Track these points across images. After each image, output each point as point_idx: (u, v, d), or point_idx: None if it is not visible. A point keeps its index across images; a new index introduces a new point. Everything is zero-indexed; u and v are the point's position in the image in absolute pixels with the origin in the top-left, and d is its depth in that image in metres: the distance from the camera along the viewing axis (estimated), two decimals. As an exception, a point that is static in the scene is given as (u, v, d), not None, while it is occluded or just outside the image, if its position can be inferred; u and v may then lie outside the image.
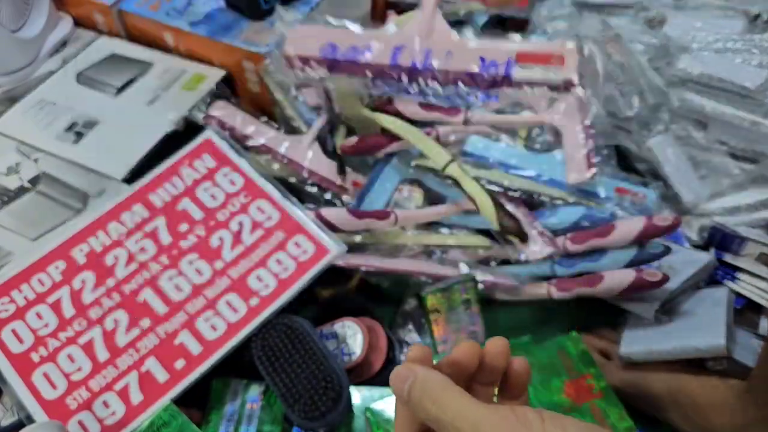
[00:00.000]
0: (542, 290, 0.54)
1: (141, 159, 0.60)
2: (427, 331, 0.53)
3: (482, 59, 0.36)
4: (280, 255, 0.53)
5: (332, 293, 0.55)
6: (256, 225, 0.54)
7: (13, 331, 0.49)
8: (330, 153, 0.63)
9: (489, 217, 0.52)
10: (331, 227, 0.55)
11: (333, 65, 0.34)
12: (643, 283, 0.49)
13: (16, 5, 0.70)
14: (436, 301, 0.51)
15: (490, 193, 0.54)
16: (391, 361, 0.50)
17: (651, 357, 0.49)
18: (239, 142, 0.61)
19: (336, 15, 0.73)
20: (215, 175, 0.57)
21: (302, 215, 0.55)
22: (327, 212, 0.56)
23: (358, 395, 0.46)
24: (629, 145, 0.64)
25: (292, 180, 0.63)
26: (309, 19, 0.33)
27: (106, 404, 0.46)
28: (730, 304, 0.50)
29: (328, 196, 0.62)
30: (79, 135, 0.64)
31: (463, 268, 0.55)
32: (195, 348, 0.48)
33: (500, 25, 0.79)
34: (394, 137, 0.61)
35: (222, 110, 0.64)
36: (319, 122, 0.64)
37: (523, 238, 0.55)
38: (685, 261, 0.53)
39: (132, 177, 0.59)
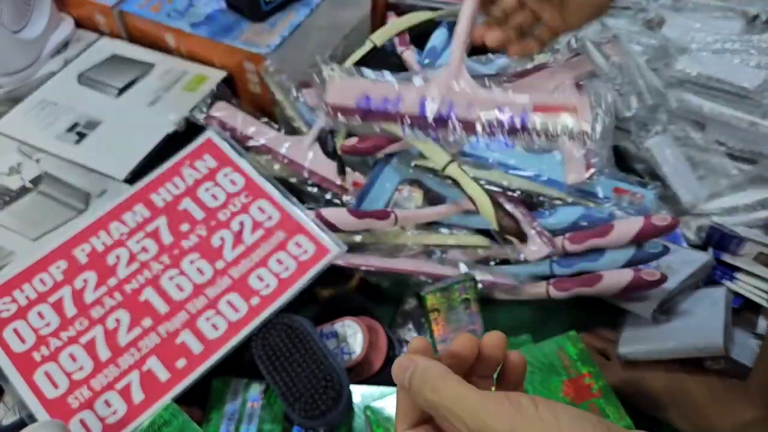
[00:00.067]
0: (541, 290, 0.54)
1: (142, 159, 0.60)
2: (426, 330, 0.53)
3: (500, 110, 0.40)
4: (280, 255, 0.53)
5: (332, 293, 0.56)
6: (256, 225, 0.55)
7: (15, 331, 0.49)
8: (330, 153, 0.63)
9: (488, 217, 0.53)
10: (332, 227, 0.55)
11: (366, 115, 0.41)
12: (642, 283, 0.50)
13: (18, 6, 0.70)
14: (435, 301, 0.52)
15: (490, 193, 0.54)
16: (390, 360, 0.50)
17: (649, 356, 0.49)
18: (240, 142, 0.62)
19: (336, 16, 0.73)
20: (216, 175, 0.58)
21: (303, 215, 0.55)
22: (327, 212, 0.56)
23: (358, 394, 0.46)
24: (628, 146, 0.64)
25: (293, 180, 0.63)
26: (349, 72, 0.38)
27: (107, 403, 0.46)
28: (728, 304, 0.50)
29: (328, 196, 0.62)
30: (81, 135, 0.64)
31: (463, 268, 0.55)
32: (196, 347, 0.48)
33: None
34: (395, 137, 0.62)
35: (223, 111, 0.64)
36: (320, 123, 0.64)
37: (522, 238, 0.55)
38: (683, 261, 0.53)
39: (133, 177, 0.59)
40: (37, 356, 0.48)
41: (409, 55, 0.72)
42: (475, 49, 0.76)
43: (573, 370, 0.45)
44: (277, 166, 0.63)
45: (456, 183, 0.57)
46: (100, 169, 0.61)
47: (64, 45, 0.75)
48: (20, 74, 0.71)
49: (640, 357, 0.49)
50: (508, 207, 0.55)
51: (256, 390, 0.48)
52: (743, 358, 0.47)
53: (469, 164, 0.60)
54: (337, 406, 0.43)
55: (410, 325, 0.55)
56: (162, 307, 0.50)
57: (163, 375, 0.47)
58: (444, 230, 0.58)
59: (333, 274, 0.54)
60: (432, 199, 0.60)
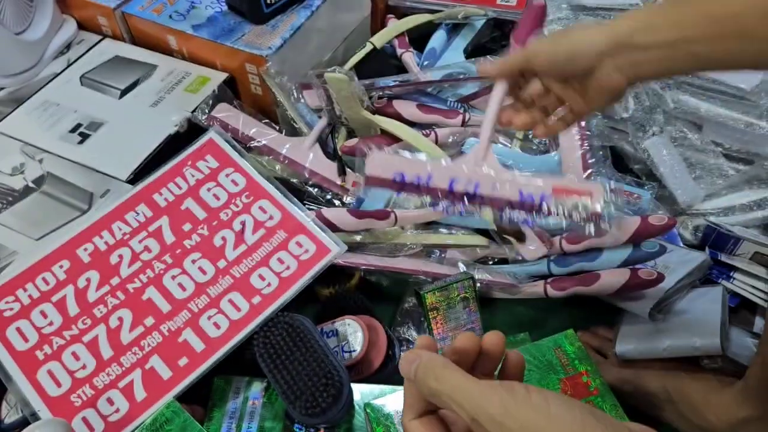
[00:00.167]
0: (539, 289, 0.55)
1: (145, 160, 0.61)
2: (426, 328, 0.54)
3: (521, 192, 0.44)
4: (281, 254, 0.53)
5: (333, 292, 0.56)
6: (258, 225, 0.55)
7: (18, 330, 0.50)
8: (331, 154, 0.64)
9: (487, 217, 0.53)
10: (332, 227, 0.56)
11: (400, 188, 0.46)
12: (639, 282, 0.50)
13: (20, 7, 0.71)
14: (435, 300, 0.52)
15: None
16: (390, 359, 0.50)
17: (646, 355, 0.49)
18: (241, 143, 0.62)
19: (337, 18, 0.74)
20: (218, 175, 0.58)
21: (303, 215, 0.56)
22: (328, 212, 0.57)
23: (358, 392, 0.47)
24: (625, 146, 0.65)
25: (294, 180, 0.64)
26: (386, 152, 0.47)
27: (110, 401, 0.47)
28: (724, 303, 0.51)
29: (328, 196, 0.63)
30: (84, 136, 0.65)
31: (462, 267, 0.55)
32: (198, 346, 0.49)
33: (498, 28, 0.80)
34: (394, 139, 0.62)
35: (225, 112, 0.65)
36: (320, 124, 0.65)
37: (521, 237, 0.55)
38: (680, 260, 0.54)
39: (136, 177, 0.59)
40: (40, 355, 0.49)
41: (409, 56, 0.73)
42: (475, 51, 0.77)
43: (570, 368, 0.45)
44: (278, 167, 0.64)
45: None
46: (103, 169, 0.61)
47: (67, 46, 0.75)
48: (23, 75, 0.72)
49: (637, 355, 0.50)
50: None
51: (257, 388, 0.49)
52: (740, 356, 0.48)
53: (468, 165, 0.61)
54: (338, 404, 0.44)
55: (410, 324, 0.56)
56: (164, 306, 0.51)
57: (165, 373, 0.48)
58: (443, 230, 0.59)
59: (333, 273, 0.55)
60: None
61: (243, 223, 0.55)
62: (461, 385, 0.25)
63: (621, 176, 0.61)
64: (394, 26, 0.74)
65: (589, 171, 0.58)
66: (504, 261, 0.59)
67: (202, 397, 0.49)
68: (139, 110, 0.66)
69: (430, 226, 0.59)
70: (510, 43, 0.62)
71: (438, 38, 0.75)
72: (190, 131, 0.64)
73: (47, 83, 0.71)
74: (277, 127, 0.66)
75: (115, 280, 0.52)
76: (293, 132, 0.66)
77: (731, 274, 0.54)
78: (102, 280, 0.52)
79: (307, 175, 0.62)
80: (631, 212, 0.57)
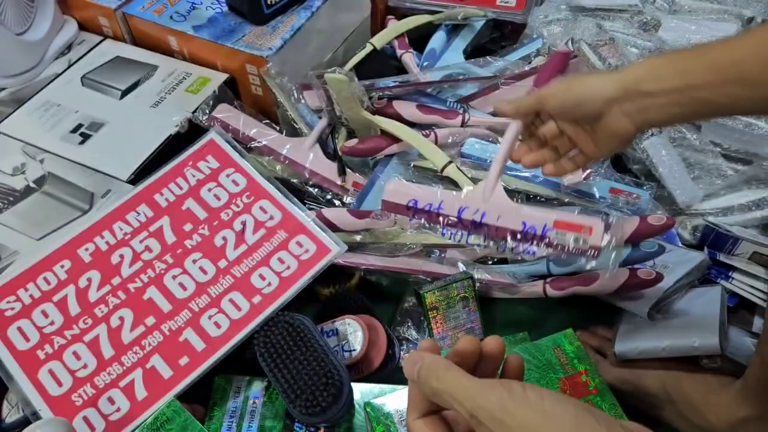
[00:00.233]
0: (538, 288, 0.55)
1: (146, 160, 0.61)
2: (426, 328, 0.54)
3: (524, 223, 0.47)
4: (282, 254, 0.54)
5: (333, 291, 0.56)
6: (258, 225, 0.55)
7: (19, 329, 0.50)
8: (331, 154, 0.64)
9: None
10: (332, 227, 0.56)
11: (414, 213, 0.50)
12: (638, 282, 0.50)
13: (21, 8, 0.71)
14: (434, 299, 0.52)
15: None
16: (390, 358, 0.50)
17: (645, 355, 0.49)
18: (242, 143, 0.62)
19: (337, 19, 0.74)
20: (218, 175, 0.58)
21: (304, 215, 0.56)
22: (328, 212, 0.57)
23: (358, 391, 0.47)
24: (624, 147, 0.65)
25: (294, 181, 0.64)
26: (403, 181, 0.52)
27: (111, 401, 0.47)
28: (723, 303, 0.51)
29: (329, 196, 0.63)
30: (85, 136, 0.65)
31: (461, 267, 0.56)
32: (199, 345, 0.49)
33: (497, 29, 0.80)
34: (394, 139, 0.63)
35: (225, 112, 0.65)
36: (321, 124, 0.65)
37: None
38: (679, 260, 0.54)
39: (137, 178, 0.60)
40: (41, 354, 0.49)
41: (409, 57, 0.73)
42: (475, 51, 0.77)
43: (570, 367, 0.45)
44: (278, 167, 0.64)
45: (455, 184, 0.58)
46: (104, 169, 0.61)
47: (68, 47, 0.76)
48: (24, 76, 0.72)
49: (636, 355, 0.50)
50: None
51: (257, 387, 0.49)
52: (739, 356, 0.48)
53: (467, 165, 0.61)
54: (338, 403, 0.44)
55: (410, 323, 0.56)
56: (165, 306, 0.51)
57: (166, 372, 0.48)
58: (443, 230, 0.59)
59: (333, 272, 0.55)
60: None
61: (243, 223, 0.55)
62: (461, 383, 0.26)
63: (620, 176, 0.61)
64: (394, 27, 0.74)
65: (588, 171, 0.58)
66: (503, 261, 0.59)
67: (202, 396, 0.49)
68: (139, 111, 0.67)
69: (429, 226, 0.59)
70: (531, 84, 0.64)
71: (438, 39, 0.75)
72: (191, 132, 0.64)
73: (48, 84, 0.71)
74: (278, 128, 0.66)
75: (116, 280, 0.52)
76: (293, 132, 0.67)
77: (730, 273, 0.55)
78: (103, 280, 0.52)
79: (307, 176, 0.63)
80: (630, 212, 0.58)
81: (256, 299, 0.51)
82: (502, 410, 0.24)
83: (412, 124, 0.64)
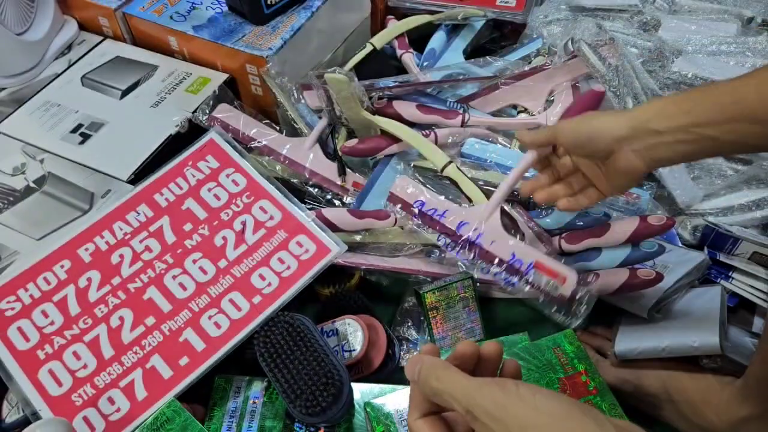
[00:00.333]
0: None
1: (146, 160, 0.61)
2: (426, 328, 0.54)
3: (513, 254, 0.50)
4: (282, 254, 0.54)
5: (333, 291, 0.56)
6: (258, 224, 0.55)
7: (19, 329, 0.50)
8: (331, 154, 0.64)
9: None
10: (332, 227, 0.56)
11: (418, 215, 0.53)
12: (638, 282, 0.50)
13: (21, 8, 0.71)
14: (434, 299, 0.52)
15: (488, 193, 0.55)
16: (390, 358, 0.50)
17: (645, 355, 0.49)
18: (242, 143, 0.62)
19: (337, 19, 0.74)
20: (218, 175, 0.58)
21: (304, 215, 0.56)
22: (328, 212, 0.57)
23: (358, 391, 0.47)
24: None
25: (294, 181, 0.64)
26: (415, 181, 0.54)
27: (111, 401, 0.47)
28: (723, 303, 0.51)
29: (328, 196, 0.63)
30: (85, 136, 0.65)
31: (462, 267, 0.56)
32: (199, 345, 0.49)
33: (497, 29, 0.80)
34: (394, 139, 0.63)
35: (225, 112, 0.65)
36: (321, 124, 0.65)
37: (520, 237, 0.55)
38: (678, 260, 0.54)
39: (137, 178, 0.60)
40: (41, 354, 0.49)
41: (409, 57, 0.73)
42: (475, 51, 0.77)
43: (569, 367, 0.45)
44: (278, 167, 0.64)
45: (454, 183, 0.58)
46: (104, 169, 0.61)
47: (68, 47, 0.76)
48: (24, 75, 0.72)
49: (636, 355, 0.50)
50: (506, 207, 0.55)
51: (257, 387, 0.49)
52: (739, 356, 0.48)
53: (467, 165, 0.61)
54: (338, 403, 0.44)
55: (410, 323, 0.56)
56: (165, 306, 0.51)
57: (166, 372, 0.48)
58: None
59: (333, 273, 0.55)
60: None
61: (243, 223, 0.55)
62: (459, 383, 0.28)
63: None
64: (394, 27, 0.74)
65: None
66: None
67: (202, 396, 0.49)
68: (139, 111, 0.67)
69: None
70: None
71: (438, 39, 0.75)
72: (191, 132, 0.64)
73: (48, 84, 0.71)
74: (278, 128, 0.66)
75: (116, 280, 0.52)
76: (293, 132, 0.67)
77: (730, 273, 0.55)
78: (103, 280, 0.52)
79: (307, 176, 0.63)
80: (630, 212, 0.58)
81: (256, 299, 0.51)
82: (496, 406, 0.26)
83: (412, 124, 0.64)
